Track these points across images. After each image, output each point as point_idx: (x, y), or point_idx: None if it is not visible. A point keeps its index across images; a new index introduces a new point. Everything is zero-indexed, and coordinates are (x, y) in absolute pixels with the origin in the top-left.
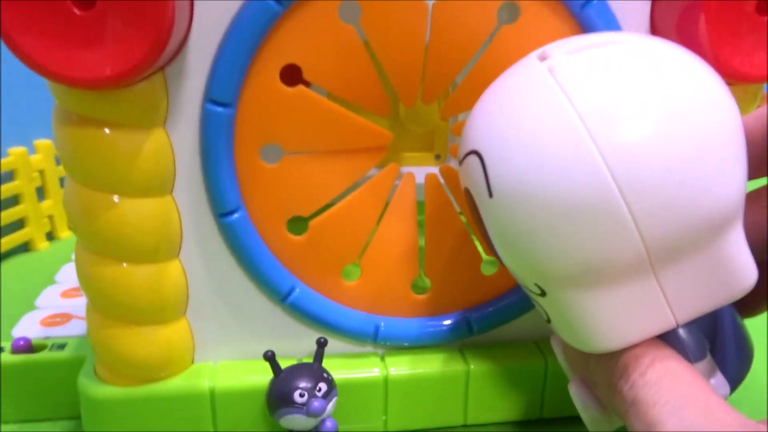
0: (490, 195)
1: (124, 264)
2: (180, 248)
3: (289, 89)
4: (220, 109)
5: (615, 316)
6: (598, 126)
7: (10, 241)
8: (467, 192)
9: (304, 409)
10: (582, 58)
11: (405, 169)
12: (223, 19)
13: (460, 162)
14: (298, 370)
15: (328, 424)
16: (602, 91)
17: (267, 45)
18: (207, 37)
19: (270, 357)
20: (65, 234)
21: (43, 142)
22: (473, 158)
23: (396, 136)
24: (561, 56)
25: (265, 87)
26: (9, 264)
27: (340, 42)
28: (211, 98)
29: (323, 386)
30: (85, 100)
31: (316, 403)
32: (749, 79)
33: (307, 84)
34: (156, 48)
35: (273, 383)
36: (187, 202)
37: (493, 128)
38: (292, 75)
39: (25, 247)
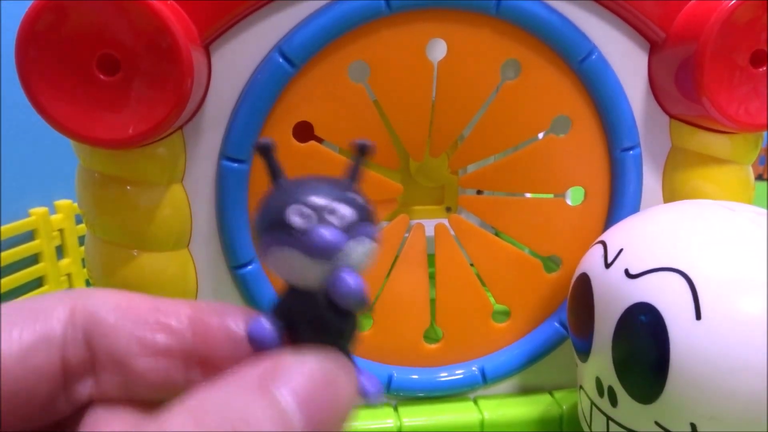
0: (698, 317)
1: None
2: (195, 300)
3: (302, 145)
4: (235, 165)
5: None
6: None
7: None
8: (586, 278)
9: (303, 239)
10: None
11: (414, 221)
12: (238, 80)
13: (638, 275)
14: (314, 180)
15: (347, 278)
16: None
17: (280, 104)
18: (223, 97)
19: (264, 146)
20: None
21: (64, 202)
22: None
23: (407, 189)
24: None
25: (279, 143)
26: None
27: (350, 100)
28: (226, 155)
29: (347, 211)
30: (107, 159)
31: (325, 233)
32: (746, 128)
33: (319, 140)
34: (176, 109)
35: (266, 194)
36: (203, 255)
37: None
38: (304, 131)
39: None
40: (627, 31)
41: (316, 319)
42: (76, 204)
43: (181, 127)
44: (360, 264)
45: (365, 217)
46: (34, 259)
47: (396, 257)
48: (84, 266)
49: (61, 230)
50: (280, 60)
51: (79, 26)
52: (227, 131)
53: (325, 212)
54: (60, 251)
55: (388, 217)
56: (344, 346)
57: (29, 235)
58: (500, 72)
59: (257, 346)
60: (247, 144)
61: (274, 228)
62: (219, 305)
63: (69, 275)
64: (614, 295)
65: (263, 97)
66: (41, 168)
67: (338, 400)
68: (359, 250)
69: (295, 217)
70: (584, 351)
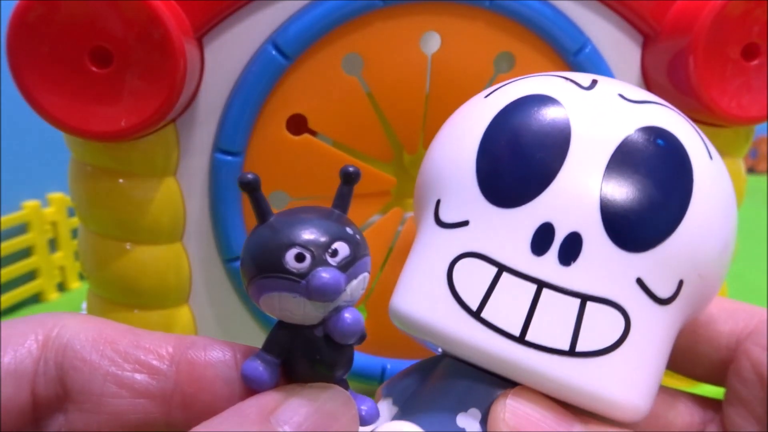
0: (711, 157)
1: (135, 310)
2: (189, 293)
3: (296, 138)
4: (229, 158)
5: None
6: None
7: (21, 292)
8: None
9: (302, 283)
10: None
11: (408, 214)
12: (231, 73)
13: (639, 101)
14: (304, 215)
15: (348, 316)
16: None
17: (274, 96)
18: (216, 89)
19: (249, 183)
20: (75, 284)
21: (57, 195)
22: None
23: (400, 182)
24: None
25: (273, 136)
26: (20, 315)
27: (343, 93)
28: (220, 148)
29: (344, 250)
30: (99, 151)
31: (326, 277)
32: (738, 121)
33: (313, 133)
34: (168, 101)
35: (255, 234)
36: (197, 248)
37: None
38: (298, 124)
39: (36, 299)
40: (620, 25)
41: (314, 353)
42: (69, 197)
43: (174, 120)
44: (358, 298)
45: (360, 253)
46: (26, 252)
47: (390, 250)
48: (77, 259)
49: (53, 223)
50: (274, 52)
51: (71, 18)
52: (220, 124)
53: (322, 253)
54: (53, 244)
55: (381, 210)
56: (341, 376)
57: (22, 228)
58: (494, 65)
59: (253, 386)
60: (240, 137)
61: (270, 272)
62: (204, 340)
63: (62, 268)
64: (610, 117)
65: (257, 90)
66: (34, 161)
67: None
68: (358, 286)
69: (293, 261)
70: (525, 192)
